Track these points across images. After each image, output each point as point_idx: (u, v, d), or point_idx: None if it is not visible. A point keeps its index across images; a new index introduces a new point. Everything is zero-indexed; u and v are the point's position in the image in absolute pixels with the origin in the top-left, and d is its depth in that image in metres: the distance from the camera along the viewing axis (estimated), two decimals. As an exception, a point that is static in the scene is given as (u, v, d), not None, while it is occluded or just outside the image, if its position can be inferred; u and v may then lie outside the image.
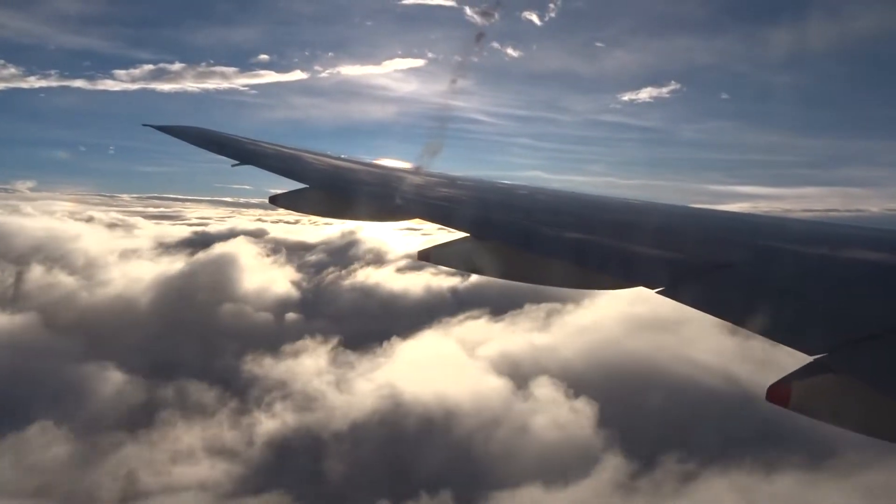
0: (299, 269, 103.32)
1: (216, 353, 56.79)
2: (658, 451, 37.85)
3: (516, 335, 59.09)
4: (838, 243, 4.60)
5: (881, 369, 2.27)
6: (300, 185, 5.53)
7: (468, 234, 4.18)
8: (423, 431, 39.24)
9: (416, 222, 5.49)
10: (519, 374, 46.72)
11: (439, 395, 42.36)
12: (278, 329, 69.42)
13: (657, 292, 3.11)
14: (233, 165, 6.44)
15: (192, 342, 59.63)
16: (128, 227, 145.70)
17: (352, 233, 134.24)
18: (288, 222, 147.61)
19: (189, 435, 40.04)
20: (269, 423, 41.40)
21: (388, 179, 6.96)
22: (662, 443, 38.45)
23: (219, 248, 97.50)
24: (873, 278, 3.56)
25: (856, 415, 2.29)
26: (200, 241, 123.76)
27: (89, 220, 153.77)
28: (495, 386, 44.93)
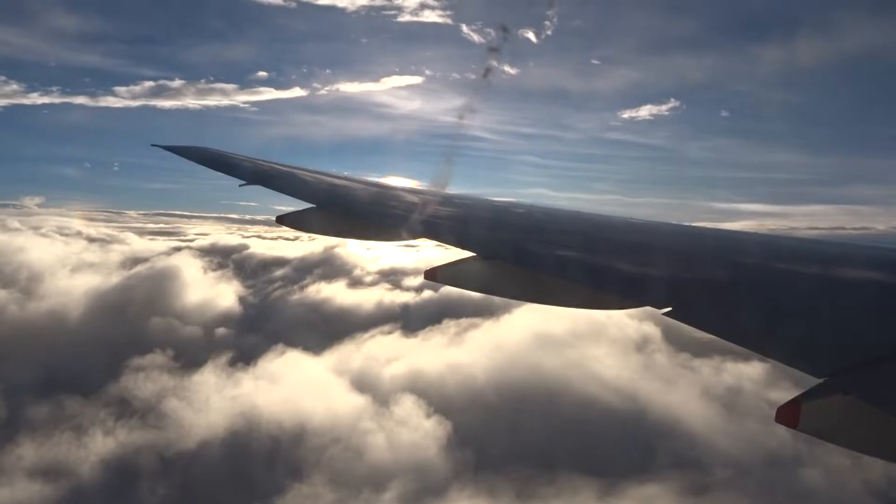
0: (252, 284, 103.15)
1: (113, 369, 56.03)
2: (489, 473, 36.00)
3: (419, 351, 57.63)
4: (846, 262, 4.63)
5: (891, 391, 2.23)
6: (306, 205, 5.55)
7: (474, 254, 4.15)
8: (255, 451, 37.88)
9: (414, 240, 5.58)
10: (385, 391, 45.22)
11: (292, 413, 41.05)
12: (197, 344, 68.67)
13: (664, 314, 3.08)
14: (240, 185, 6.50)
15: (94, 357, 59.06)
16: (112, 242, 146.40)
17: (333, 248, 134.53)
18: (287, 239, 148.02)
19: (23, 453, 39.13)
20: (108, 442, 40.39)
21: (393, 199, 7.00)
22: (502, 463, 36.65)
23: (162, 263, 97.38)
24: (882, 298, 3.55)
25: (866, 437, 2.28)
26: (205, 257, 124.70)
27: (77, 234, 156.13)
28: (355, 404, 43.47)
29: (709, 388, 55.13)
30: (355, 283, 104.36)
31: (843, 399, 2.22)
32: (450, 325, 65.48)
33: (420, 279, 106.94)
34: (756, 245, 5.56)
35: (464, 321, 66.79)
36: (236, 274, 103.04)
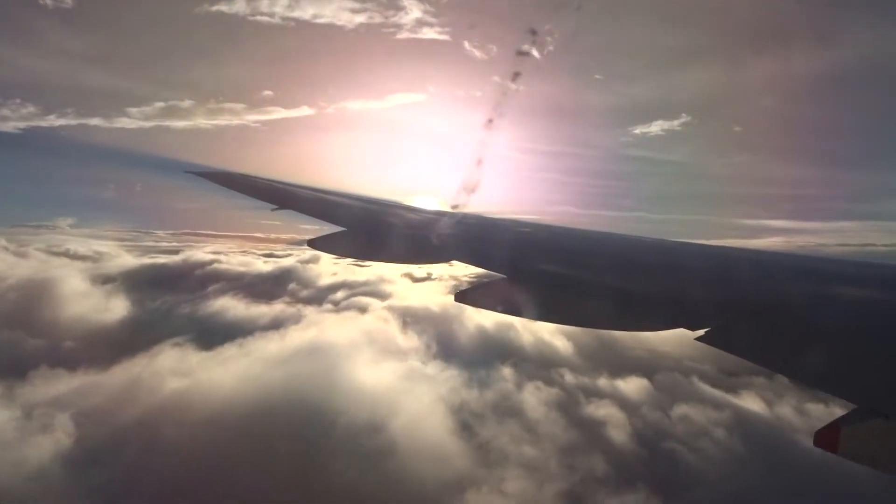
0: (155, 298, 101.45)
1: None
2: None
3: (181, 366, 53.51)
4: (883, 283, 4.71)
5: None
6: (336, 227, 5.54)
7: (504, 276, 4.16)
8: None
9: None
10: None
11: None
12: (24, 358, 66.59)
13: (697, 339, 3.03)
14: (272, 210, 6.58)
15: None
16: (92, 260, 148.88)
17: (305, 263, 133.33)
18: (290, 254, 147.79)
19: None
20: None
21: (421, 221, 7.09)
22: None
23: (43, 274, 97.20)
24: None
25: None
26: (143, 273, 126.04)
27: (63, 252, 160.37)
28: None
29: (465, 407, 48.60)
30: (261, 297, 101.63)
31: (885, 423, 2.15)
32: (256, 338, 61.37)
33: (342, 294, 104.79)
34: (788, 265, 5.55)
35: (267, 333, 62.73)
36: (130, 288, 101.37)
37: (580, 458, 42.83)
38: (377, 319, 69.99)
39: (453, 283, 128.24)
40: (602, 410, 58.70)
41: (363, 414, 41.39)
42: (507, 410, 50.79)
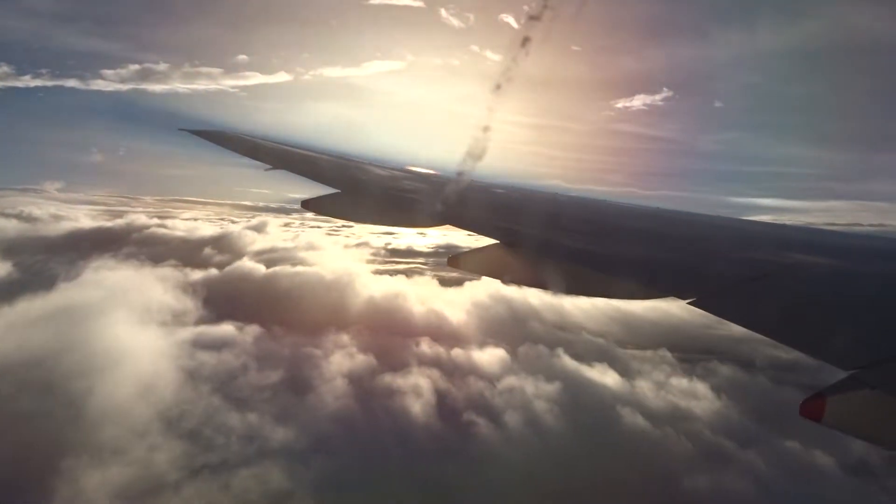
0: (48, 259, 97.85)
1: None
2: None
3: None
4: (871, 256, 4.84)
5: None
6: (328, 190, 5.54)
7: (497, 242, 4.13)
8: None
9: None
10: None
11: None
12: None
13: (689, 303, 3.06)
14: (266, 170, 6.48)
15: None
16: (42, 222, 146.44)
17: (247, 228, 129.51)
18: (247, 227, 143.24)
19: None
20: None
21: (416, 185, 7.16)
22: None
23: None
24: None
25: (891, 433, 2.15)
26: (73, 236, 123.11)
27: (17, 214, 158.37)
28: None
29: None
30: (158, 260, 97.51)
31: (870, 393, 2.13)
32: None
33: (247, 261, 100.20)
34: (779, 237, 5.59)
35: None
36: (25, 251, 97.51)
37: (297, 428, 37.40)
38: (168, 282, 65.14)
39: (396, 252, 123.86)
40: (415, 380, 53.16)
41: (43, 375, 36.38)
42: (262, 378, 45.44)
